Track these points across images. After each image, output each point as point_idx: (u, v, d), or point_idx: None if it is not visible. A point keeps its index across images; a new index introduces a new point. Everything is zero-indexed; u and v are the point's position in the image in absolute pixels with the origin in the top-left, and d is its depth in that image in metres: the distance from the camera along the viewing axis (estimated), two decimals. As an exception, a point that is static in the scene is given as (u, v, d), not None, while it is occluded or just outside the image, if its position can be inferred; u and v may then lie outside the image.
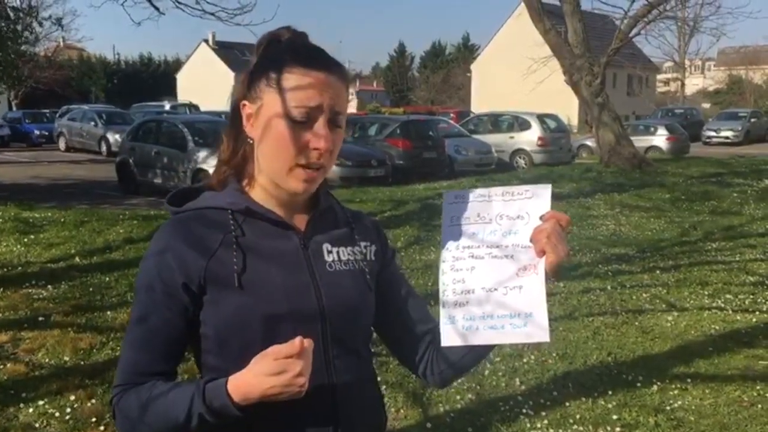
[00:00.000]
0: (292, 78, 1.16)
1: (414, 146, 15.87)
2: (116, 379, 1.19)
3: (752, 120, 32.39)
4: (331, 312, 1.20)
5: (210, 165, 10.97)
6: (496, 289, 1.22)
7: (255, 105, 1.20)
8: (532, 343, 1.18)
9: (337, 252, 1.26)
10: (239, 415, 1.10)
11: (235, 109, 1.23)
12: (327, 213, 1.30)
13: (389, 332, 1.38)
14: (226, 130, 1.27)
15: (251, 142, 1.22)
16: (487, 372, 4.26)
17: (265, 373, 1.07)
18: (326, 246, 1.25)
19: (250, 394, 1.08)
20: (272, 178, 1.22)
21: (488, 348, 1.27)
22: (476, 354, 1.29)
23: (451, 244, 1.27)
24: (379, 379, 1.38)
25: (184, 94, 48.52)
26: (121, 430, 1.18)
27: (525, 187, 1.26)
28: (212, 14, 9.33)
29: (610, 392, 4.01)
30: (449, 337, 1.24)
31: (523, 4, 16.77)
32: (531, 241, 1.21)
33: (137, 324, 1.18)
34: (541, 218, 1.21)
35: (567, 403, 3.87)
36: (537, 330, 1.19)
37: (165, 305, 1.16)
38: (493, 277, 1.22)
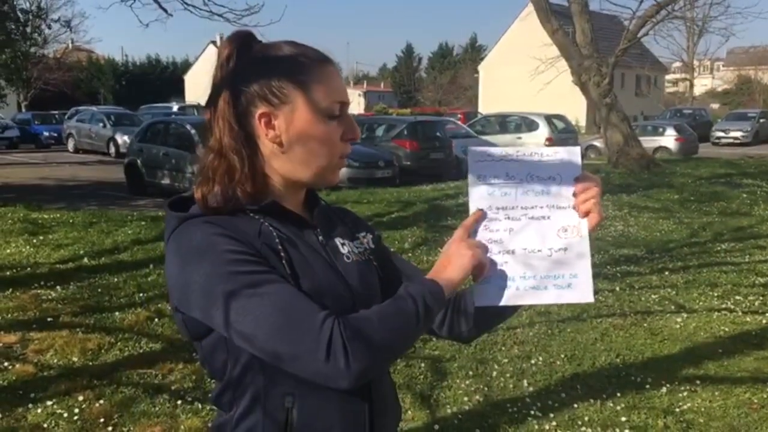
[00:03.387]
0: (324, 75, 1.18)
1: (421, 147, 15.83)
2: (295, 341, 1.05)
3: (761, 120, 32.18)
4: (359, 300, 1.20)
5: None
6: (539, 250, 1.21)
7: (281, 111, 1.16)
8: (573, 303, 1.17)
9: (347, 245, 1.28)
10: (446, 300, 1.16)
11: (248, 125, 1.17)
12: (322, 210, 1.31)
13: None
14: (239, 156, 1.15)
15: (281, 151, 1.17)
16: (494, 373, 4.25)
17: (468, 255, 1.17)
18: (338, 240, 1.27)
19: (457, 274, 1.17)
20: (306, 177, 1.20)
21: (518, 306, 1.27)
22: (505, 312, 1.30)
23: (482, 204, 1.24)
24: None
25: (192, 96, 48.56)
26: (359, 352, 1.04)
27: (554, 148, 1.26)
28: (220, 15, 9.33)
29: (618, 394, 3.99)
30: (484, 297, 1.22)
31: (530, 4, 16.75)
32: (572, 202, 1.22)
33: (266, 297, 1.06)
34: (575, 179, 1.22)
35: (575, 405, 3.86)
36: (582, 291, 1.20)
37: (262, 265, 1.09)
38: (535, 238, 1.22)
